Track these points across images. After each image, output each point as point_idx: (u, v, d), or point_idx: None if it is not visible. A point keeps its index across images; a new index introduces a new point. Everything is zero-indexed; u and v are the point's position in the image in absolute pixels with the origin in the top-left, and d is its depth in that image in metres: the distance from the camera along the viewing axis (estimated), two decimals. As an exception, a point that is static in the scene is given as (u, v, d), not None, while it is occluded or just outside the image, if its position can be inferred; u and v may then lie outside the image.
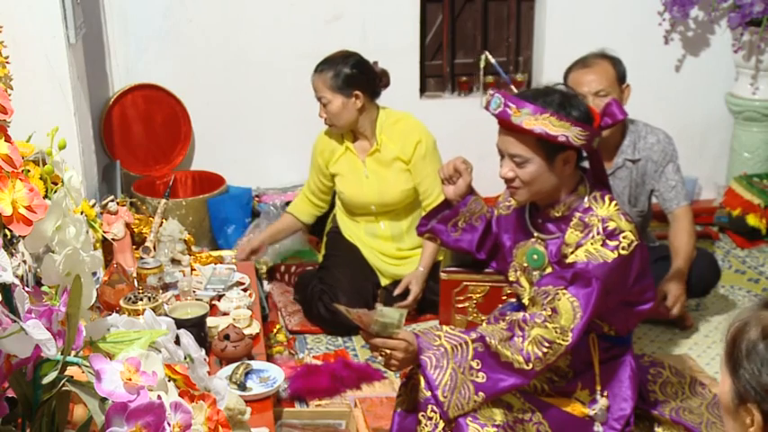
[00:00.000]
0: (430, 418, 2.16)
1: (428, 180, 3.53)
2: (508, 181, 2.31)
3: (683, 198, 3.35)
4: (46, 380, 1.08)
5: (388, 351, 2.18)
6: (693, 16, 4.53)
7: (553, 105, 2.20)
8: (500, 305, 2.68)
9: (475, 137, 4.00)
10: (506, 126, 2.25)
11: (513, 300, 2.67)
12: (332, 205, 3.85)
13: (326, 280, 3.54)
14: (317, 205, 3.80)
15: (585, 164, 2.37)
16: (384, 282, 3.66)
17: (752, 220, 4.22)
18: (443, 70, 4.60)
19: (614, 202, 2.28)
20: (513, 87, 4.34)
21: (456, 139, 3.94)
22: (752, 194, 4.25)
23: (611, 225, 2.22)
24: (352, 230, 3.70)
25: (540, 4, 4.55)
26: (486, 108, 2.29)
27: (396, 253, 3.67)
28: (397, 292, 3.55)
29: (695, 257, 3.38)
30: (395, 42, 4.38)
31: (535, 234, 2.39)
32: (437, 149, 3.57)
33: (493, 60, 2.36)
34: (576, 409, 2.36)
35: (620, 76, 3.21)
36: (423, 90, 4.59)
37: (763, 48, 4.40)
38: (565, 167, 2.27)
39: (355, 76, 3.44)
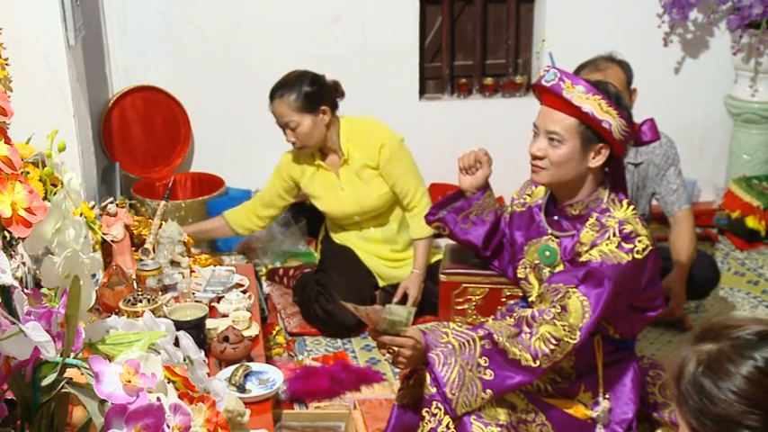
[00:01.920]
0: (434, 415, 2.15)
1: (401, 180, 3.51)
2: (535, 159, 2.30)
3: (685, 201, 3.35)
4: (45, 382, 1.08)
5: (395, 348, 2.18)
6: (692, 18, 4.53)
7: (606, 93, 2.23)
8: (499, 307, 2.67)
9: (474, 139, 3.98)
10: (555, 100, 2.25)
11: (513, 302, 2.66)
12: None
13: (323, 281, 3.53)
14: (259, 219, 3.72)
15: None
16: (382, 283, 3.66)
17: (751, 222, 4.21)
18: (443, 72, 4.60)
19: (632, 207, 2.28)
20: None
21: (455, 140, 3.94)
22: (751, 196, 4.25)
23: (628, 228, 2.22)
24: (344, 237, 3.69)
25: (540, 6, 4.55)
26: (537, 82, 2.28)
27: (390, 255, 3.66)
28: (395, 300, 3.53)
29: (695, 259, 3.38)
30: (394, 44, 4.38)
31: (549, 231, 2.39)
32: (404, 147, 3.54)
33: (549, 50, 2.37)
34: (578, 411, 2.36)
35: (629, 81, 3.19)
36: (422, 92, 4.58)
37: (762, 50, 4.40)
38: (594, 161, 2.26)
39: (316, 93, 3.42)
